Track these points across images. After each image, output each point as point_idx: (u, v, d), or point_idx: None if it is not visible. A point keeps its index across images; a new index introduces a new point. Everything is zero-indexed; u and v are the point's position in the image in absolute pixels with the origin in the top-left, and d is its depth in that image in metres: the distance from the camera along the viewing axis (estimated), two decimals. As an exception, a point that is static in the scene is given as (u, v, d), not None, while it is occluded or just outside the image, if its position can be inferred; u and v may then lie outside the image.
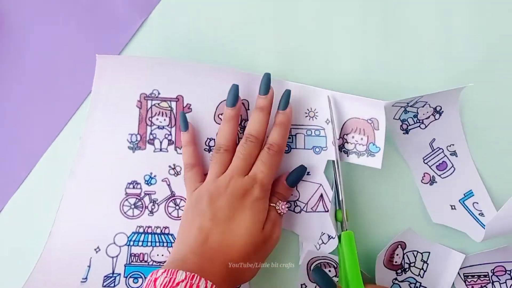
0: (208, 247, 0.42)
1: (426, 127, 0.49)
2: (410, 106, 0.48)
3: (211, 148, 0.49)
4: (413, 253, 0.48)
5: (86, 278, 0.48)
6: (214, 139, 0.49)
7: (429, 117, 0.49)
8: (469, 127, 0.50)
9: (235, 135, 0.47)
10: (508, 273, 0.47)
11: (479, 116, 0.51)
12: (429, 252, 0.47)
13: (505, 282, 0.48)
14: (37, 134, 0.50)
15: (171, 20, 0.51)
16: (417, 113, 0.49)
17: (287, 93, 0.46)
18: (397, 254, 0.48)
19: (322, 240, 0.48)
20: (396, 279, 0.48)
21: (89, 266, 0.48)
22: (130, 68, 0.49)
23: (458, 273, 0.47)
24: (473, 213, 0.48)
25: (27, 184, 0.50)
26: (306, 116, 0.49)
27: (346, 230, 0.45)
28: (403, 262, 0.48)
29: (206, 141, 0.49)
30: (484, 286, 0.48)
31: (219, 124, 0.49)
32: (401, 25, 0.52)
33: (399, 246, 0.48)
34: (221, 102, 0.49)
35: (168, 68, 0.48)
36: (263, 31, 0.51)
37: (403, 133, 0.49)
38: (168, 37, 0.51)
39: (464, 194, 0.49)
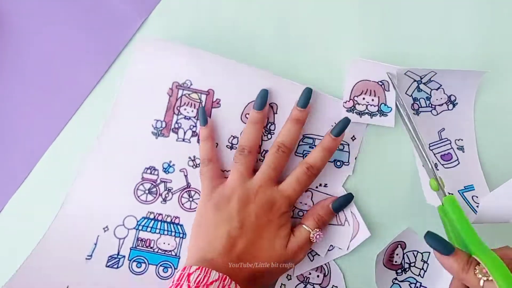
0: (235, 254, 0.43)
1: (438, 114, 0.50)
2: (423, 83, 0.49)
3: (234, 146, 0.50)
4: (413, 253, 0.48)
5: (91, 255, 0.48)
6: (238, 138, 0.49)
7: (442, 104, 0.50)
8: (480, 124, 0.51)
9: (259, 138, 0.48)
10: None
11: (491, 115, 0.51)
12: (429, 252, 0.48)
13: None
14: (37, 134, 0.49)
15: (171, 20, 0.52)
16: (430, 95, 0.50)
17: (345, 121, 0.46)
18: (397, 254, 0.48)
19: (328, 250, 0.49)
20: (396, 279, 0.48)
21: (95, 244, 0.48)
22: (168, 53, 0.50)
23: None
24: (470, 204, 0.48)
25: (27, 184, 0.49)
26: (332, 125, 0.49)
27: (446, 195, 0.44)
28: (403, 262, 0.48)
29: (229, 138, 0.50)
30: None
31: (245, 123, 0.49)
32: (401, 18, 0.53)
33: (399, 246, 0.48)
34: (250, 102, 0.50)
35: (204, 60, 0.50)
36: (264, 30, 0.52)
37: (414, 113, 0.50)
38: (168, 37, 0.51)
39: (464, 187, 0.49)
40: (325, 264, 0.49)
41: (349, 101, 0.49)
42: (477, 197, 0.49)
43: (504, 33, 0.52)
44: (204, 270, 0.40)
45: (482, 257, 0.37)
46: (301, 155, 0.49)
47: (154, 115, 0.50)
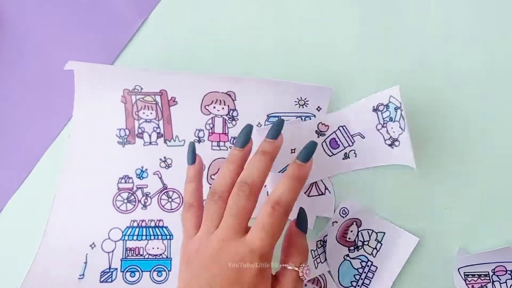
0: None
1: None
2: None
3: (201, 139, 0.49)
4: (368, 231, 0.48)
5: (83, 274, 0.48)
6: (203, 130, 0.49)
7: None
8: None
9: (231, 185, 0.40)
10: (508, 273, 0.47)
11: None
12: (384, 233, 0.47)
13: (505, 282, 0.47)
14: (37, 134, 0.50)
15: (171, 20, 0.51)
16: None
17: (313, 145, 0.41)
18: (351, 231, 0.48)
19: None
20: (347, 255, 0.48)
21: (85, 263, 0.48)
22: (108, 69, 0.49)
23: (459, 271, 0.47)
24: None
25: (27, 184, 0.49)
26: (295, 104, 0.49)
27: None
28: (356, 239, 0.48)
29: (195, 132, 0.50)
30: (485, 285, 0.47)
31: (206, 115, 0.49)
32: (400, 20, 0.52)
33: (354, 223, 0.48)
34: (207, 93, 0.49)
35: (146, 70, 0.49)
36: (264, 30, 0.51)
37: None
38: (168, 37, 0.51)
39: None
40: (320, 276, 0.48)
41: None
42: None
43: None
44: None
45: None
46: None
47: (115, 124, 0.49)
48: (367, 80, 0.51)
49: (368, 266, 0.48)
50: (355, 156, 0.48)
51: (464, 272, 0.47)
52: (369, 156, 0.48)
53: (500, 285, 0.48)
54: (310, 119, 0.49)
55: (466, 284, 0.47)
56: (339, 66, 0.51)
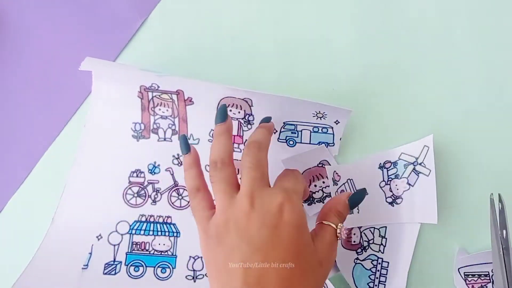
0: (263, 285, 0.34)
1: None
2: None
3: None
4: (370, 230, 0.48)
5: (87, 265, 0.47)
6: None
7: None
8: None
9: (231, 148, 0.41)
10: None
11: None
12: (386, 226, 0.48)
13: None
14: (37, 134, 0.50)
15: (171, 20, 0.52)
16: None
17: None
18: (354, 233, 0.48)
19: None
20: (357, 258, 0.48)
21: (90, 253, 0.47)
22: (126, 68, 0.50)
23: (459, 271, 0.48)
24: None
25: (27, 184, 0.49)
26: (313, 116, 0.49)
27: None
28: (361, 240, 0.48)
29: (210, 132, 0.51)
30: (485, 285, 0.48)
31: None
32: (401, 18, 0.53)
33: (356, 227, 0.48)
34: (224, 98, 0.50)
35: (163, 74, 0.50)
36: (263, 30, 0.52)
37: None
38: (168, 37, 0.52)
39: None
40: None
41: None
42: None
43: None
44: None
45: None
46: (284, 141, 0.51)
47: (131, 118, 0.50)
48: (368, 81, 0.52)
49: (379, 263, 0.48)
50: (358, 213, 0.48)
51: (464, 272, 0.48)
52: (371, 213, 0.48)
53: None
54: (328, 130, 0.51)
55: (466, 284, 0.48)
56: (340, 67, 0.52)
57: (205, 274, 0.49)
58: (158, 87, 0.50)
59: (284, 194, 0.37)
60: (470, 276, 0.48)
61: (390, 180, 0.49)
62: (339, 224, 0.40)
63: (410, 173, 0.49)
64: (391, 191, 0.49)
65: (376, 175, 0.50)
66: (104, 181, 0.49)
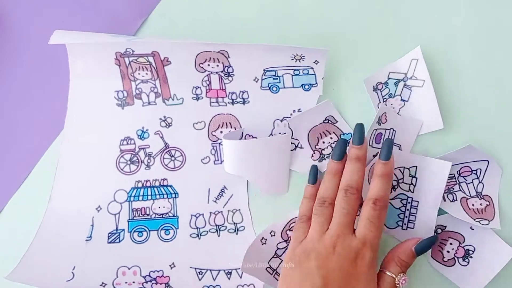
0: None
1: None
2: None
3: (199, 96, 0.50)
4: (399, 169, 0.47)
5: (90, 236, 0.48)
6: (200, 87, 0.50)
7: None
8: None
9: (338, 188, 0.45)
10: (474, 173, 0.47)
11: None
12: (416, 166, 0.47)
13: (472, 182, 0.47)
14: (37, 134, 0.50)
15: (171, 20, 0.52)
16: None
17: (390, 142, 0.44)
18: None
19: None
20: None
21: (92, 225, 0.48)
22: (97, 36, 0.49)
23: None
24: None
25: (27, 184, 0.49)
26: (292, 59, 0.49)
27: None
28: None
29: (192, 90, 0.50)
30: (451, 187, 0.47)
31: (201, 72, 0.50)
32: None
33: None
34: (199, 53, 0.49)
35: (134, 38, 0.49)
36: (263, 30, 0.51)
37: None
38: (168, 37, 0.51)
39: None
40: None
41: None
42: None
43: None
44: None
45: None
46: (267, 88, 0.50)
47: (113, 87, 0.50)
48: (366, 42, 0.51)
49: (409, 202, 0.47)
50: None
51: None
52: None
53: (467, 186, 0.47)
54: (308, 72, 0.50)
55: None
56: (336, 28, 0.51)
57: (209, 230, 0.49)
58: (133, 51, 0.49)
59: (361, 246, 0.41)
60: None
61: (386, 100, 0.48)
62: (400, 274, 0.43)
63: (402, 90, 0.47)
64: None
65: (373, 97, 0.49)
66: (96, 153, 0.49)
